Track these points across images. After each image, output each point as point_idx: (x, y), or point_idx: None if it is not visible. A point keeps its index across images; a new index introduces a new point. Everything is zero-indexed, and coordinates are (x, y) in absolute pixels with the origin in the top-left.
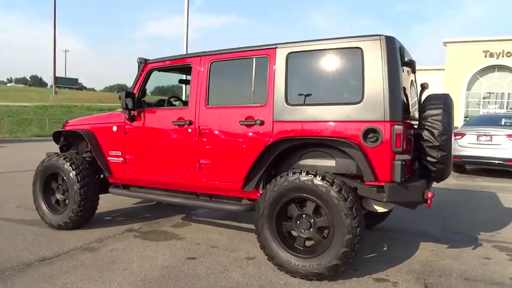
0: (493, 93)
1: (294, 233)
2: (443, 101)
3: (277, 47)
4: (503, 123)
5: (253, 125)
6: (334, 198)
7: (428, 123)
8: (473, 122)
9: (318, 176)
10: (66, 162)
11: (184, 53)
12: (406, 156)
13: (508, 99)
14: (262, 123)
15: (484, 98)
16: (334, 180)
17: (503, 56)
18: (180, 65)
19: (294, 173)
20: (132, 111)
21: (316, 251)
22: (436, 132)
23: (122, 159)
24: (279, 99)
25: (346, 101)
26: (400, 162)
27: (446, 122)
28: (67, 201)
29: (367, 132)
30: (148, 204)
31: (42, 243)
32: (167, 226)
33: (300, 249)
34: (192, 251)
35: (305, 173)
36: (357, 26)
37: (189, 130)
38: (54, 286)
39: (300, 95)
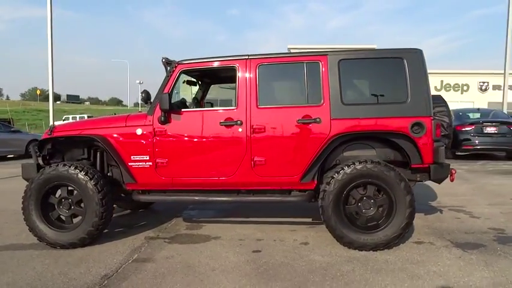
0: None
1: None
2: (443, 100)
3: (328, 54)
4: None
5: (312, 122)
6: (397, 180)
7: (438, 117)
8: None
9: (382, 164)
10: (80, 171)
11: None
12: (442, 143)
13: None
14: (320, 121)
15: None
16: (393, 167)
17: None
18: (219, 67)
19: (360, 162)
20: (169, 113)
21: (380, 226)
22: (445, 124)
23: (150, 163)
24: (334, 99)
25: (394, 100)
26: (441, 147)
27: (449, 116)
28: (74, 216)
29: (413, 125)
30: (122, 213)
31: (73, 264)
32: (184, 229)
33: (364, 227)
34: (247, 246)
35: (370, 162)
36: (192, 26)
37: (240, 130)
38: None
39: (353, 95)
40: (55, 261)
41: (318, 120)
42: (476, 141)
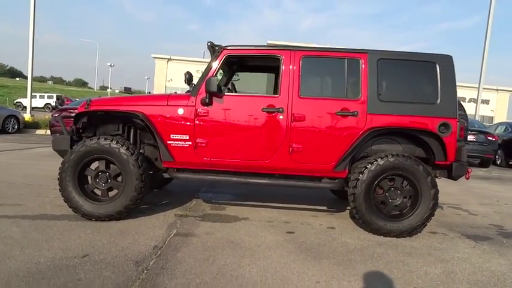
0: None
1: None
2: (462, 105)
3: (368, 53)
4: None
5: (350, 115)
6: (422, 172)
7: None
8: None
9: (412, 159)
10: (122, 146)
11: None
12: (464, 143)
13: None
14: (357, 114)
15: None
16: (421, 162)
17: None
18: (263, 56)
19: (392, 155)
20: (215, 95)
21: (405, 215)
22: (463, 127)
23: (190, 143)
24: (372, 95)
25: (425, 101)
26: (464, 147)
27: (467, 120)
28: (112, 189)
29: (441, 125)
30: None
31: (127, 234)
32: (209, 210)
33: (389, 215)
34: (278, 227)
35: (402, 156)
36: (165, 13)
37: (281, 117)
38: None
39: (388, 93)
40: (97, 231)
41: (355, 113)
42: None
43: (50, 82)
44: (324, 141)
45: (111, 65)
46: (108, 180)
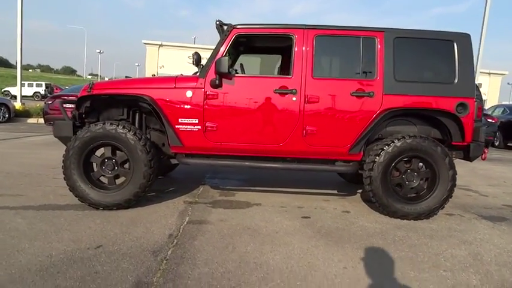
0: None
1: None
2: (477, 86)
3: (384, 31)
4: None
5: (365, 96)
6: (440, 153)
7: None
8: None
9: (430, 140)
10: (129, 131)
11: None
12: (482, 123)
13: None
14: (373, 95)
15: None
16: (439, 143)
17: None
18: (275, 35)
19: (410, 137)
20: (225, 77)
21: (423, 197)
22: (481, 107)
23: (199, 127)
24: (388, 75)
25: (442, 80)
26: (482, 127)
27: (482, 100)
28: (118, 176)
29: (458, 105)
30: None
31: (138, 223)
32: (219, 196)
33: (406, 197)
34: (292, 212)
35: (419, 137)
36: None
37: (294, 99)
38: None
39: (405, 72)
40: (107, 221)
41: (371, 94)
42: None
43: (37, 70)
44: (338, 123)
45: (100, 52)
46: (114, 167)
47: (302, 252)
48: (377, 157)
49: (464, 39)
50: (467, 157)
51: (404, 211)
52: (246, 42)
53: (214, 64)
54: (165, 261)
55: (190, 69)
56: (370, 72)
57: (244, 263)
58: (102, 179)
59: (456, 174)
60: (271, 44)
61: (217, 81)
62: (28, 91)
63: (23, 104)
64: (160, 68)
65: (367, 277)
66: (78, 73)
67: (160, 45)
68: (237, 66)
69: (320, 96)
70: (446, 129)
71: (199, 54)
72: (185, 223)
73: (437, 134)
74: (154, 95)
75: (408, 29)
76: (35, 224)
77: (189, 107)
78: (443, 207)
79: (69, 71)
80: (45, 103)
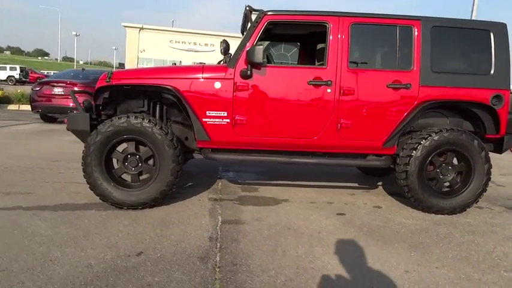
0: None
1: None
2: None
3: (421, 20)
4: None
5: (402, 88)
6: (476, 147)
7: None
8: None
9: (467, 133)
10: (155, 125)
11: None
12: None
13: None
14: (410, 87)
15: None
16: (476, 136)
17: None
18: (308, 22)
19: (447, 130)
20: (256, 67)
21: (457, 191)
22: None
23: (227, 120)
24: (425, 66)
25: (478, 71)
26: None
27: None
28: (142, 174)
29: (494, 97)
30: None
31: (173, 224)
32: (242, 192)
33: (440, 192)
34: (324, 208)
35: (457, 130)
36: None
37: (328, 90)
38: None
39: (441, 63)
40: (136, 222)
41: (408, 86)
42: None
43: (7, 52)
44: (374, 116)
45: (76, 34)
46: (138, 164)
47: (356, 254)
48: (414, 151)
49: (501, 29)
50: (498, 150)
51: (439, 206)
52: (277, 30)
53: (245, 53)
54: (218, 269)
55: (173, 55)
56: (407, 63)
57: (301, 269)
58: (124, 176)
59: (491, 167)
60: (305, 31)
61: (248, 71)
62: (1, 75)
63: (1, 89)
64: (141, 52)
65: (433, 283)
66: (50, 56)
67: (141, 29)
68: None
69: (355, 88)
70: (480, 121)
71: (227, 42)
72: (220, 223)
73: (469, 126)
74: (180, 86)
75: (445, 17)
76: (58, 228)
77: (217, 99)
78: (478, 201)
79: (42, 53)
80: (32, 89)
